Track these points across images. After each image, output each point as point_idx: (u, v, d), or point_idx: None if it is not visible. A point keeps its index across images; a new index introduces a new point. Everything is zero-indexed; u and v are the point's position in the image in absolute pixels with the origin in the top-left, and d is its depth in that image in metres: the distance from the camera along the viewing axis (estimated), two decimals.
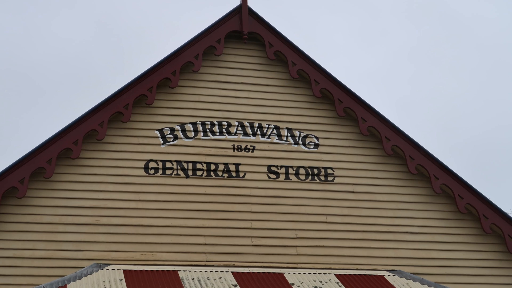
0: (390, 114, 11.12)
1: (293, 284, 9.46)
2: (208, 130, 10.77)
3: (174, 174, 10.44)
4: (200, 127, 10.74)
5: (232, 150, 10.74)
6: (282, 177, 10.76)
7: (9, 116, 27.48)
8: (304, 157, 10.93)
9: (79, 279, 9.09)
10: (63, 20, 30.40)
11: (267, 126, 10.99)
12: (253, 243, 10.30)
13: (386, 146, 11.03)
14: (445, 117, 31.22)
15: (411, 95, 31.52)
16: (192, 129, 10.72)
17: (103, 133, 10.22)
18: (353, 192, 10.90)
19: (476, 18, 32.58)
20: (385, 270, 10.38)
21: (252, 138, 10.87)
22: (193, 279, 9.29)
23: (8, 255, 9.59)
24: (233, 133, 10.84)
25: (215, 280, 9.34)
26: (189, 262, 9.97)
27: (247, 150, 10.79)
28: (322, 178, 10.86)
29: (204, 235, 10.20)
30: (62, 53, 30.07)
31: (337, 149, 11.11)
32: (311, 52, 11.45)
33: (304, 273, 9.94)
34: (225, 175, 10.57)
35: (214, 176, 10.53)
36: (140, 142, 10.52)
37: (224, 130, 10.82)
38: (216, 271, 9.69)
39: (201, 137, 10.71)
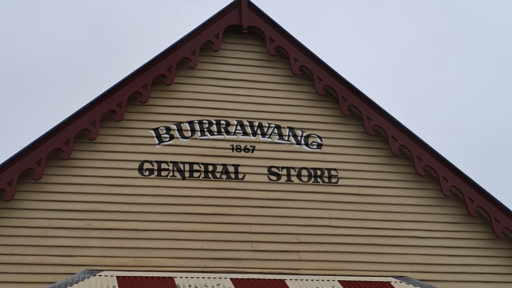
0: (396, 112, 11.00)
1: None
2: (205, 129, 10.65)
3: (170, 176, 10.32)
4: (197, 126, 10.63)
5: (231, 151, 10.63)
6: (284, 178, 10.64)
7: None
8: (307, 158, 10.83)
9: (70, 286, 8.97)
10: (55, 15, 30.43)
11: (267, 125, 10.87)
12: (253, 248, 10.20)
13: (392, 146, 10.91)
14: (453, 116, 31.09)
15: (417, 93, 31.41)
16: (189, 128, 10.61)
17: (95, 133, 10.13)
18: (358, 194, 10.79)
19: (485, 13, 32.43)
20: (392, 276, 10.28)
21: (252, 137, 10.76)
22: (190, 286, 9.22)
23: None
24: (232, 132, 10.72)
25: (213, 287, 9.28)
26: (185, 268, 9.88)
27: (246, 151, 10.64)
28: (326, 179, 10.74)
29: (202, 240, 10.09)
30: (54, 49, 30.14)
31: (341, 149, 11.01)
32: (314, 48, 11.53)
33: (307, 280, 9.86)
34: (224, 176, 10.47)
35: (212, 178, 10.43)
36: (134, 142, 10.42)
37: (222, 130, 10.70)
38: (214, 278, 9.60)
39: (198, 137, 10.60)
